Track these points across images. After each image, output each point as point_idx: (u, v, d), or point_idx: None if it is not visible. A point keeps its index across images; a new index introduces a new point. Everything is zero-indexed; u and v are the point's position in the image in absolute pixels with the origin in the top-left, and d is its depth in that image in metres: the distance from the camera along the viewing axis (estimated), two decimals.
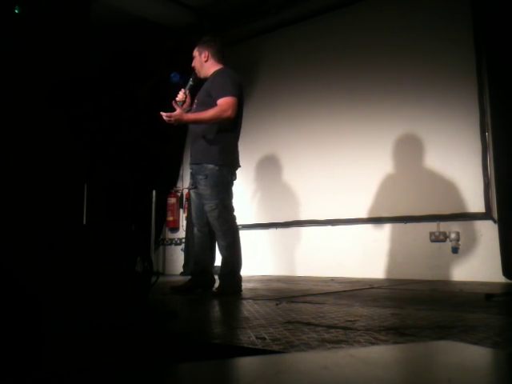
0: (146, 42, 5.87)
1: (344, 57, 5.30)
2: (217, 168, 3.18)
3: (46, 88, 4.21)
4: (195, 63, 3.41)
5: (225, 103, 3.11)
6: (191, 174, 3.36)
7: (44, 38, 4.37)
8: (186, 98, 3.35)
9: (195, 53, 3.42)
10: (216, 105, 3.15)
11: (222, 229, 3.19)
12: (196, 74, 3.40)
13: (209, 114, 3.12)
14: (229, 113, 3.10)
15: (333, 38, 5.43)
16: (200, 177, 3.21)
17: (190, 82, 3.36)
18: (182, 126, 3.45)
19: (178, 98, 3.30)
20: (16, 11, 4.67)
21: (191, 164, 3.33)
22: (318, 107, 5.43)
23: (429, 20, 4.79)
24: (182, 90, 3.33)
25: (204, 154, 3.21)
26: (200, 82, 3.43)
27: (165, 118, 3.12)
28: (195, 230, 3.41)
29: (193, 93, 3.43)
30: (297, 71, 5.66)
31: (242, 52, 6.14)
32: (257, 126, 5.83)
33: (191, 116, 3.19)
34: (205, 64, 3.38)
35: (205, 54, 3.39)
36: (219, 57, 3.42)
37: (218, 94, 3.17)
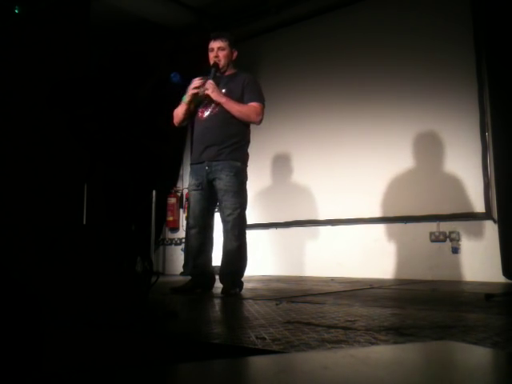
0: (146, 42, 5.87)
1: (344, 57, 5.30)
2: (243, 167, 3.25)
3: (46, 88, 4.21)
4: (222, 55, 3.31)
5: (259, 108, 3.26)
6: (205, 172, 3.22)
7: (44, 37, 4.37)
8: (202, 85, 3.26)
9: (225, 46, 3.32)
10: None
11: (238, 228, 3.15)
12: (218, 65, 3.30)
13: (242, 107, 3.23)
14: (259, 118, 3.27)
15: (333, 37, 5.43)
16: (226, 173, 3.15)
17: (214, 72, 3.26)
18: (182, 128, 3.43)
19: (194, 85, 3.26)
20: (16, 11, 4.67)
21: (209, 161, 3.21)
22: (318, 107, 5.43)
23: (429, 20, 4.79)
24: (211, 81, 3.22)
25: (233, 153, 3.21)
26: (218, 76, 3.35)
27: (196, 84, 3.20)
28: (193, 231, 3.29)
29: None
30: (297, 71, 5.65)
31: (242, 52, 6.11)
32: (257, 126, 5.82)
33: (222, 97, 3.20)
34: (231, 62, 3.38)
35: (235, 52, 3.40)
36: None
37: (253, 97, 3.27)
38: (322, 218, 5.29)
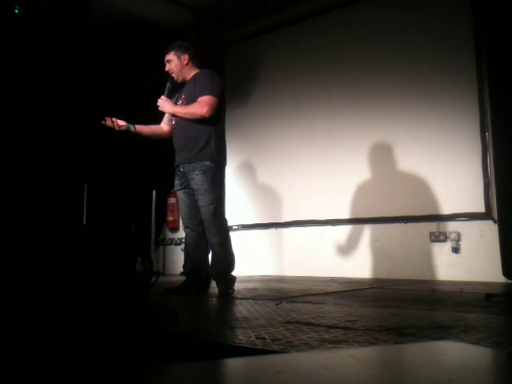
0: (146, 42, 5.86)
1: (343, 57, 5.30)
2: (213, 165, 3.23)
3: (45, 88, 4.21)
4: (172, 67, 3.35)
5: (203, 101, 3.18)
6: (182, 174, 3.34)
7: (44, 37, 4.37)
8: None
9: (171, 57, 3.36)
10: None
11: (216, 225, 3.20)
12: (173, 78, 3.36)
13: (186, 108, 3.24)
14: (204, 110, 3.15)
15: (332, 38, 5.43)
16: (196, 172, 3.21)
17: (169, 86, 3.35)
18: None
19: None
20: (16, 11, 4.67)
21: (182, 164, 3.32)
22: (318, 107, 5.43)
23: (429, 20, 4.79)
24: (162, 97, 3.30)
25: (201, 153, 3.23)
26: (177, 86, 3.40)
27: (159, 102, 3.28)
28: (188, 230, 3.38)
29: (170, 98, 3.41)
30: (296, 71, 5.65)
31: (242, 52, 6.14)
32: (256, 126, 5.83)
33: (172, 107, 3.28)
34: (185, 67, 3.36)
35: (184, 57, 3.36)
36: (196, 60, 3.43)
37: (200, 92, 3.21)
38: (321, 217, 5.29)
